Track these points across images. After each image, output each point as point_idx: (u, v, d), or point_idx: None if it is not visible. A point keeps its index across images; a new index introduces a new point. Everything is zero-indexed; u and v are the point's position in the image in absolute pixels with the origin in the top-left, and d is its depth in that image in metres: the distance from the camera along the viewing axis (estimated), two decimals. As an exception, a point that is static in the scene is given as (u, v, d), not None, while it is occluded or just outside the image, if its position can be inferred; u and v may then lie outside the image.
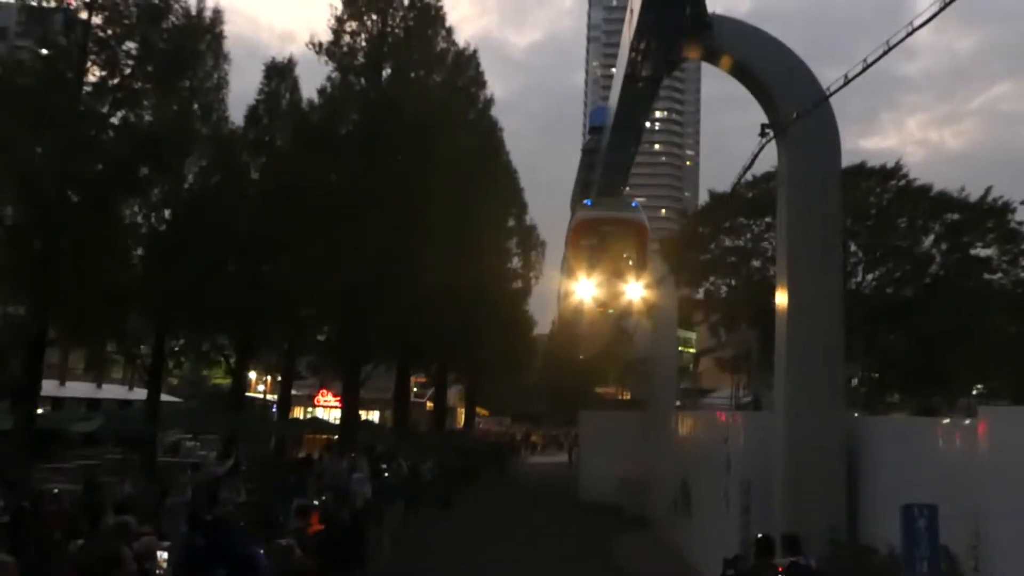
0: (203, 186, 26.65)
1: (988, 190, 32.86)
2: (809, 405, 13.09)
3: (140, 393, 40.89)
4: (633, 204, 23.83)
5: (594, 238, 22.20)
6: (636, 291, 22.49)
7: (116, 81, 22.06)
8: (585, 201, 23.80)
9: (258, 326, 28.35)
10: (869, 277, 32.54)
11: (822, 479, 12.66)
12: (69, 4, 21.34)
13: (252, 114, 30.88)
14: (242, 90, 28.88)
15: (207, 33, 26.44)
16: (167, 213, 26.29)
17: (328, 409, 57.18)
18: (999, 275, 33.47)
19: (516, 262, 45.00)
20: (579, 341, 42.52)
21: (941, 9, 8.95)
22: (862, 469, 12.60)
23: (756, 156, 14.42)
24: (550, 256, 46.85)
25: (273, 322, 28.11)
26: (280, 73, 32.11)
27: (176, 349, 28.92)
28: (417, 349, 32.51)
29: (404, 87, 26.79)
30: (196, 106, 26.16)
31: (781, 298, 14.40)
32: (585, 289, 22.44)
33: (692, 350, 56.02)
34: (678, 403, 37.12)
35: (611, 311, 25.57)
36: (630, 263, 22.03)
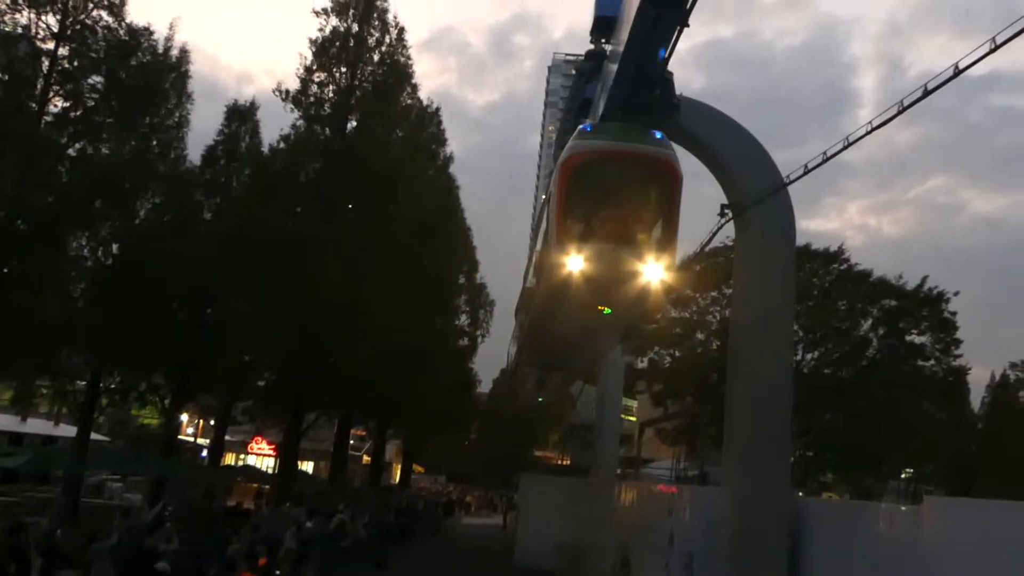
0: (154, 223, 26.22)
1: (924, 279, 34.35)
2: (755, 483, 13.28)
3: (66, 429, 39.47)
4: (657, 135, 13.95)
5: (595, 185, 14.19)
6: (655, 274, 13.33)
7: (78, 113, 21.78)
8: (582, 125, 15.16)
9: (198, 368, 27.80)
10: (809, 357, 33.45)
11: (765, 557, 12.79)
12: (36, 34, 21.08)
13: (210, 154, 30.73)
14: (198, 128, 28.77)
15: (173, 71, 26.38)
16: (115, 248, 25.75)
17: (261, 457, 55.82)
18: (932, 362, 34.74)
19: (464, 320, 45.04)
20: (525, 390, 40.60)
21: (900, 112, 9.46)
22: (805, 549, 12.76)
23: (714, 235, 14.86)
24: (498, 315, 46.99)
25: (214, 365, 27.56)
26: (241, 116, 32.12)
27: (112, 387, 28.07)
28: (361, 402, 32.10)
29: (368, 140, 26.94)
30: (155, 143, 25.91)
31: (732, 375, 14.70)
32: (575, 266, 13.42)
33: (633, 418, 56.38)
34: (619, 471, 37.10)
35: (608, 311, 15.65)
36: (650, 227, 13.99)
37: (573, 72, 25.48)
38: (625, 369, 40.55)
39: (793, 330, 29.22)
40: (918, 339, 34.51)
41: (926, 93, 7.91)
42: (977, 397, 55.96)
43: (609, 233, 13.78)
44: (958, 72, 7.29)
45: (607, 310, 15.40)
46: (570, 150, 14.33)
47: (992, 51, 6.80)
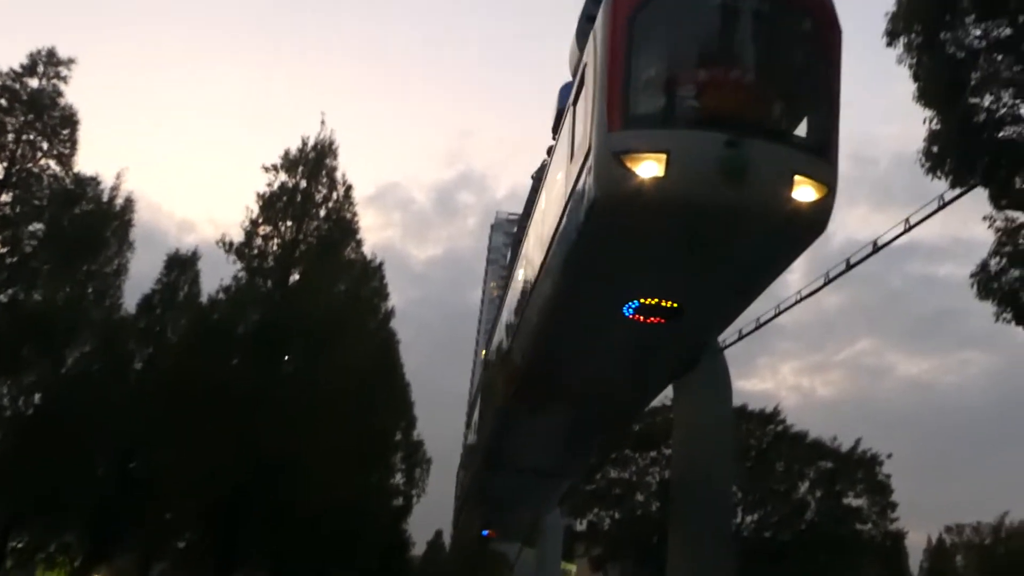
0: (82, 372, 25.46)
1: (858, 442, 34.96)
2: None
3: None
4: None
5: (690, 25, 8.44)
6: (806, 191, 7.79)
7: (14, 260, 21.49)
8: None
9: (116, 526, 26.30)
10: (749, 519, 33.24)
11: None
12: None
13: (146, 303, 30.38)
14: (136, 275, 28.59)
15: (116, 220, 26.42)
16: (37, 398, 24.81)
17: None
18: (869, 526, 34.79)
19: (400, 478, 43.78)
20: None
21: (826, 283, 9.95)
22: None
23: (654, 397, 15.03)
24: (435, 473, 45.81)
25: (134, 523, 26.14)
26: (182, 265, 32.04)
27: (19, 547, 26.25)
28: (290, 564, 30.51)
29: (310, 293, 26.96)
30: (91, 290, 25.60)
31: (673, 537, 14.48)
32: (648, 172, 7.60)
33: (572, 583, 54.49)
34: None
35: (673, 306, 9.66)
36: (792, 107, 8.47)
37: (514, 230, 26.05)
38: (564, 531, 39.65)
39: (733, 492, 29.18)
40: (855, 502, 34.70)
41: (849, 266, 8.36)
42: (915, 561, 55.76)
43: (718, 108, 7.67)
44: (877, 248, 7.77)
45: (671, 303, 9.28)
46: None
47: (906, 231, 7.29)
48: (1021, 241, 15.92)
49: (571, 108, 9.55)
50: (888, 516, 34.60)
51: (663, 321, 9.49)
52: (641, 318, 9.53)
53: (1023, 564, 32.23)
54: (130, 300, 29.14)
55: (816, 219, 7.86)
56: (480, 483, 22.49)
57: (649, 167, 7.39)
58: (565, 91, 11.97)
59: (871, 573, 37.27)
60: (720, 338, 13.59)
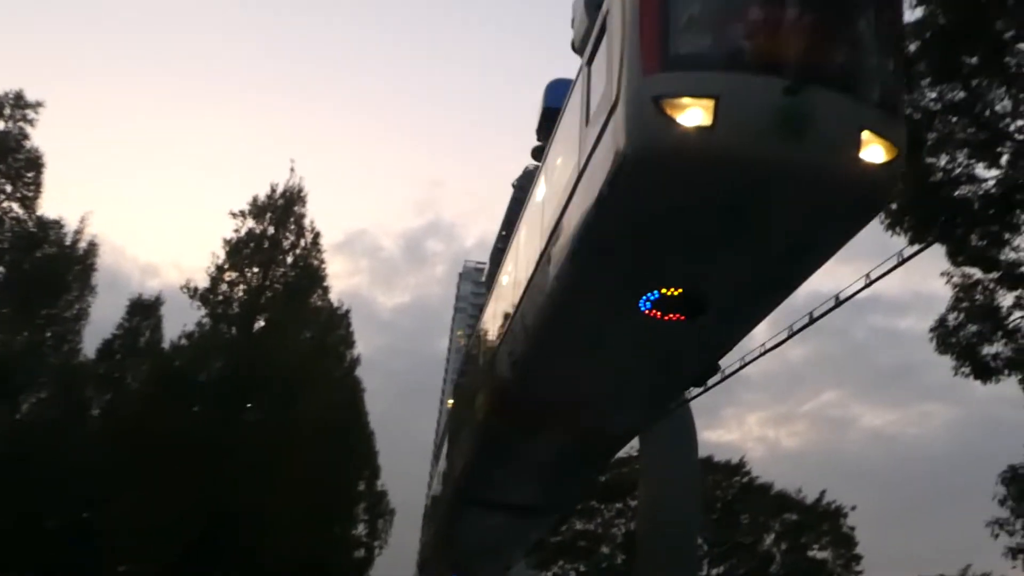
0: (37, 419, 24.86)
1: (822, 494, 35.06)
2: None
3: None
4: None
5: None
6: (875, 150, 6.58)
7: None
8: None
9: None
10: (715, 573, 33.07)
11: None
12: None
13: (107, 348, 29.83)
14: (97, 319, 28.15)
15: (78, 264, 26.10)
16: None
17: None
18: (834, 578, 34.74)
19: (362, 529, 42.96)
20: None
21: (790, 336, 10.08)
22: None
23: (619, 448, 15.01)
24: (398, 524, 45.01)
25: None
26: (144, 310, 31.60)
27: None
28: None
29: (275, 341, 26.73)
30: (50, 334, 25.14)
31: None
32: (692, 120, 6.35)
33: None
34: None
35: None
36: (855, 54, 6.99)
37: (481, 279, 25.93)
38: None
39: (699, 543, 29.00)
40: (820, 554, 34.66)
41: (812, 320, 8.49)
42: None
43: (776, 49, 6.61)
44: (839, 302, 7.90)
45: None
46: None
47: (867, 285, 7.43)
48: (978, 297, 16.33)
49: (585, 69, 8.46)
50: (853, 568, 34.58)
51: (683, 319, 8.08)
52: (659, 314, 8.10)
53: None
54: (90, 345, 28.67)
55: (883, 186, 6.83)
56: (449, 523, 21.56)
57: (693, 115, 6.20)
58: (552, 89, 11.57)
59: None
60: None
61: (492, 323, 13.53)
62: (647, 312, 8.03)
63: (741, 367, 10.96)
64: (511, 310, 11.19)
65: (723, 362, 10.61)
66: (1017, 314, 16.18)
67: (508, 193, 16.10)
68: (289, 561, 24.53)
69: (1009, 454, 17.28)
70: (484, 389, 13.46)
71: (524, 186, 13.46)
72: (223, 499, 23.16)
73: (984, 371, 16.08)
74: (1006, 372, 15.96)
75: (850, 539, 34.47)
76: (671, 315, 8.07)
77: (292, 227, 29.59)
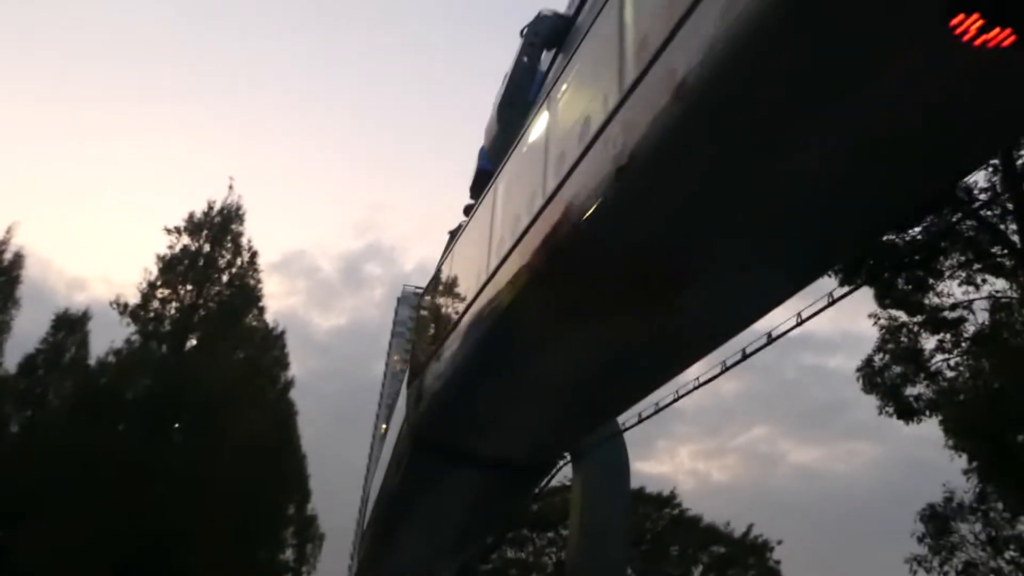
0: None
1: (750, 527, 35.57)
2: None
3: None
4: None
5: None
6: None
7: None
8: None
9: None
10: (643, 605, 33.19)
11: None
12: None
13: (29, 363, 28.80)
14: (19, 333, 27.23)
15: (2, 275, 25.29)
16: None
17: None
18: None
19: (290, 553, 42.01)
20: None
21: (723, 372, 10.29)
22: None
23: (551, 477, 15.07)
24: (327, 551, 44.13)
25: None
26: (70, 325, 30.64)
27: None
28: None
29: (207, 360, 26.20)
30: (-33, 349, 24.25)
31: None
32: None
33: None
34: None
35: None
36: None
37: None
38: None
39: (627, 574, 29.14)
40: (745, 588, 35.08)
41: (744, 356, 8.69)
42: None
43: None
44: (771, 340, 8.12)
45: None
46: None
47: (798, 324, 7.66)
48: (903, 339, 16.90)
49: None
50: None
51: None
52: None
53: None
54: (11, 359, 27.70)
55: None
56: (376, 546, 20.90)
57: None
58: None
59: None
60: (620, 420, 13.79)
61: (420, 350, 13.24)
62: None
63: (675, 400, 11.14)
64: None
65: (657, 395, 10.76)
66: (939, 357, 16.80)
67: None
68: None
69: (929, 493, 17.85)
70: (408, 417, 13.02)
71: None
72: (149, 521, 22.47)
73: (907, 411, 16.63)
74: (927, 413, 16.52)
75: (776, 573, 34.98)
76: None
77: (229, 245, 29.15)
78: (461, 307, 9.85)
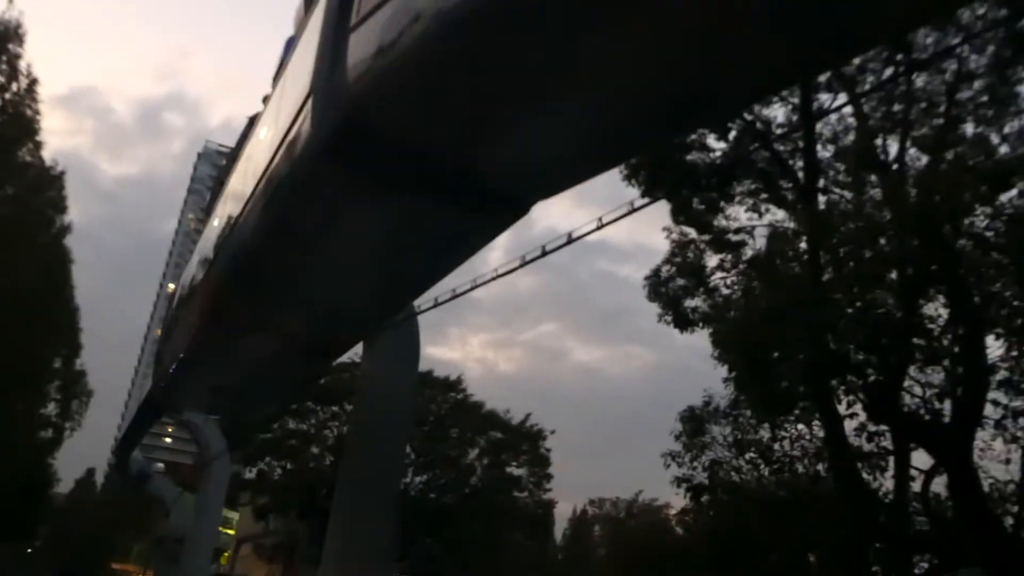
0: None
1: (527, 416, 37.46)
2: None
3: None
4: None
5: None
6: None
7: None
8: None
9: None
10: (418, 480, 34.42)
11: None
12: None
13: None
14: None
15: None
16: None
17: None
18: (526, 494, 37.55)
19: (52, 408, 39.67)
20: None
21: (521, 265, 10.47)
22: None
23: (341, 352, 14.99)
24: (95, 407, 42.07)
25: None
26: None
27: None
28: None
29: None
30: None
31: (340, 491, 14.56)
32: None
33: (231, 531, 53.03)
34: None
35: None
36: None
37: (222, 162, 24.22)
38: (232, 478, 38.44)
39: (405, 452, 29.94)
40: (517, 471, 37.18)
41: (544, 253, 8.84)
42: (560, 528, 61.16)
43: None
44: (570, 240, 8.29)
45: None
46: None
47: (598, 228, 7.85)
48: (689, 255, 17.97)
49: None
50: (543, 487, 37.57)
51: None
52: None
53: (646, 535, 36.67)
54: None
55: None
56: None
57: None
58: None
59: (522, 537, 40.28)
60: (415, 303, 13.83)
61: (223, 213, 12.69)
62: None
63: (472, 288, 11.23)
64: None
65: (453, 281, 10.84)
66: (719, 275, 18.06)
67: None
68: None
69: (693, 397, 19.52)
70: (208, 282, 12.69)
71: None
72: None
73: (684, 322, 17.86)
74: (701, 325, 17.83)
75: (546, 460, 37.28)
76: None
77: (4, 67, 25.81)
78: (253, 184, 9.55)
